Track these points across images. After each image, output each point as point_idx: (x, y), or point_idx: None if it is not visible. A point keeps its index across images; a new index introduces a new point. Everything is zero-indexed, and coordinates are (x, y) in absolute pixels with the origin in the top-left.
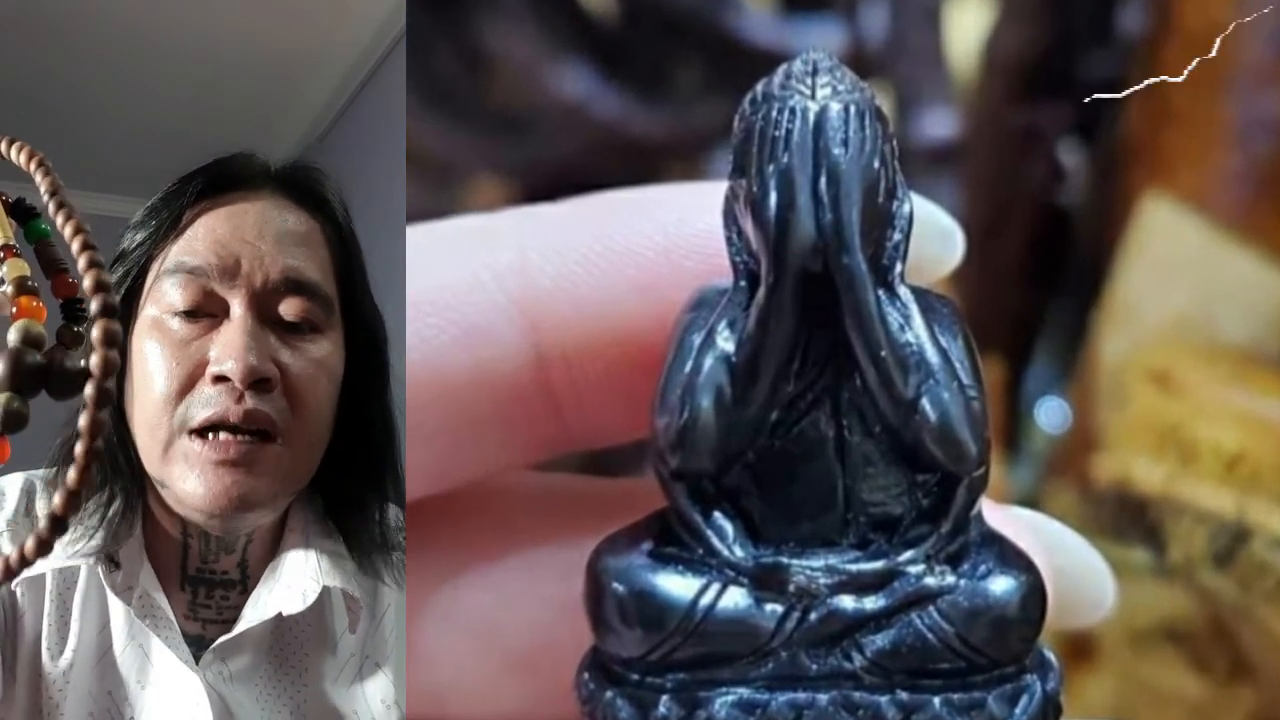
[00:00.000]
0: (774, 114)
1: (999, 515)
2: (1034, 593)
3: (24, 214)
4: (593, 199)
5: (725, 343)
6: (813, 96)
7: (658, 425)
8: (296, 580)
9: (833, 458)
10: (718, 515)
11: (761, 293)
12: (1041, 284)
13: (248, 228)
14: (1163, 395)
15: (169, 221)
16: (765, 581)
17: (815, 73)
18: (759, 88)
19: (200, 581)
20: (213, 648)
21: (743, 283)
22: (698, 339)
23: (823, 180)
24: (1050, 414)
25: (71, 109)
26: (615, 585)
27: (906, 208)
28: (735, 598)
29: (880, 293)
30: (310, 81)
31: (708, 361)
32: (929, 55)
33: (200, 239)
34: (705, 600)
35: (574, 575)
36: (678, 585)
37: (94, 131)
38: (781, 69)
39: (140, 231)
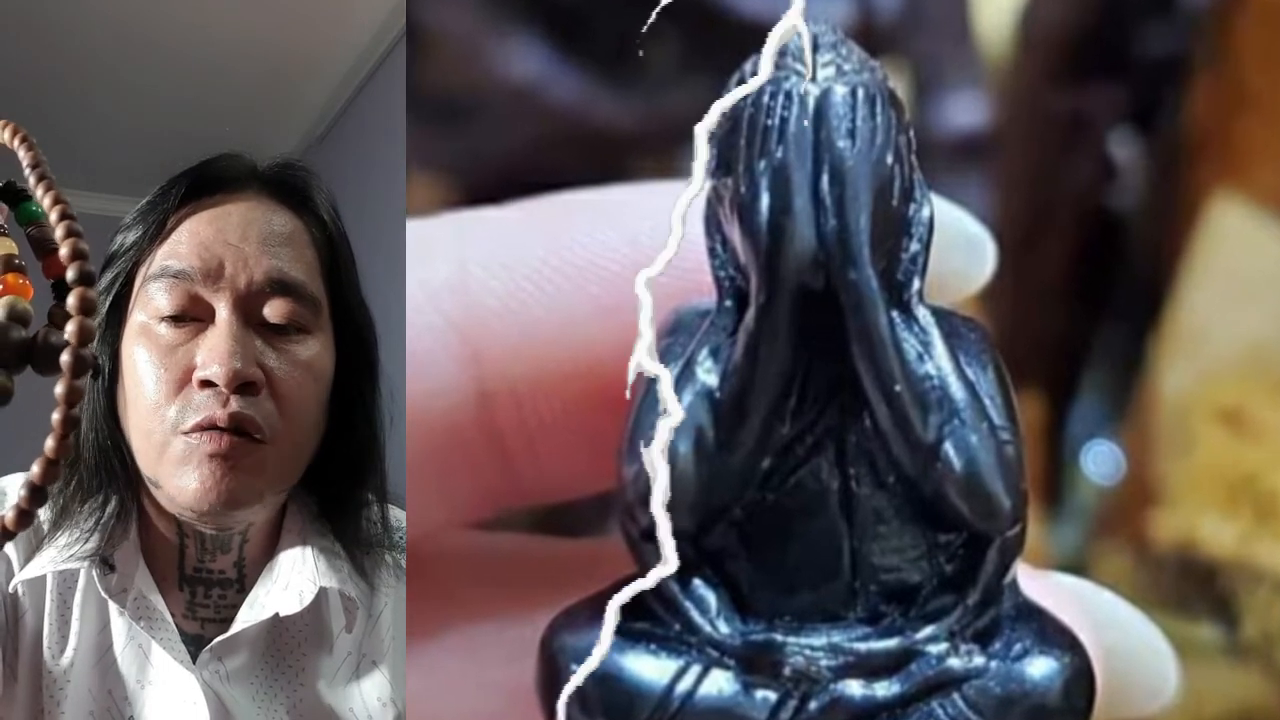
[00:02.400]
0: (765, 99)
1: (1038, 583)
2: (1079, 677)
3: (15, 197)
4: (547, 201)
5: (707, 375)
6: (813, 78)
7: (626, 475)
8: (294, 581)
9: (837, 514)
10: (698, 583)
11: (751, 315)
12: (1089, 304)
13: (231, 230)
14: (1235, 438)
15: (154, 225)
16: (755, 663)
17: (816, 49)
18: (748, 67)
19: (198, 581)
20: (209, 647)
21: (728, 303)
22: (674, 370)
23: (825, 179)
24: (1100, 461)
25: (71, 109)
26: (575, 668)
27: (925, 212)
28: (719, 683)
29: (894, 314)
30: (310, 81)
31: (686, 398)
32: (953, 28)
33: (184, 243)
34: (683, 686)
35: (525, 656)
36: (650, 668)
37: (93, 131)
38: None
39: (129, 234)
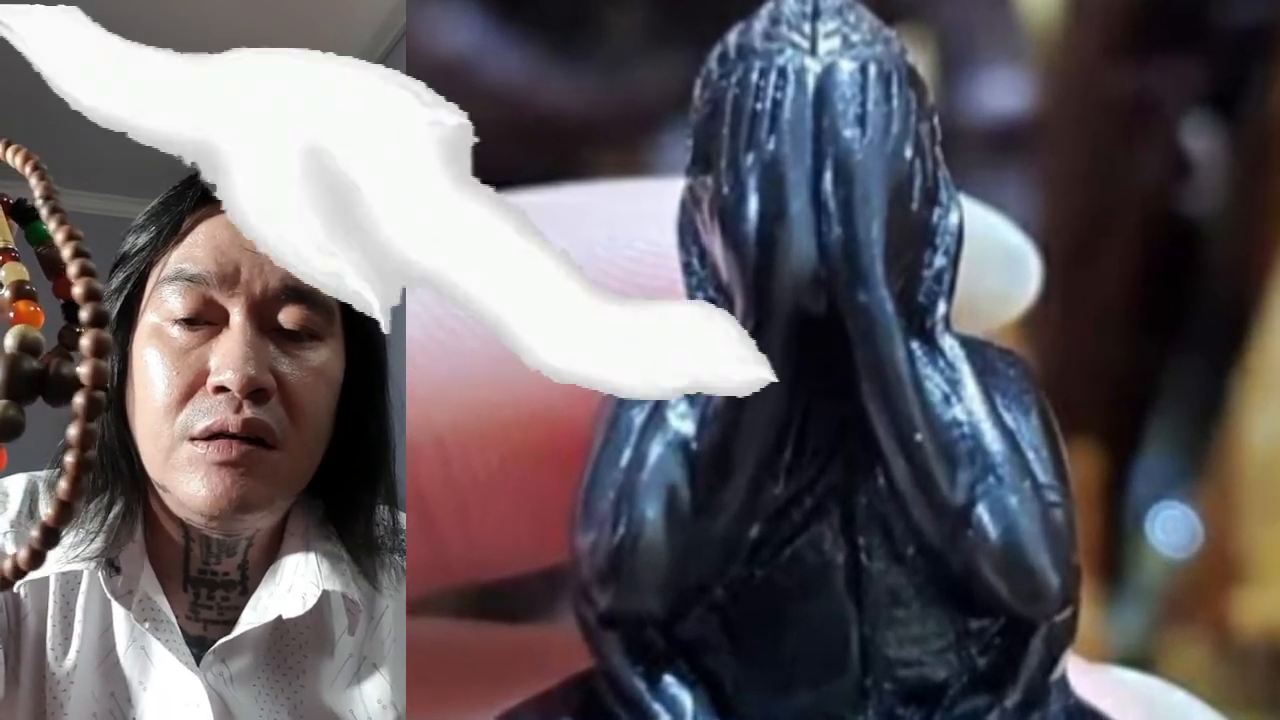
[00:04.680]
0: (754, 78)
1: (1094, 680)
2: None
3: (25, 215)
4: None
5: (681, 421)
6: (813, 51)
7: (580, 546)
8: (297, 584)
9: (843, 594)
10: (670, 681)
11: None
12: (1157, 333)
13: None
14: None
15: (169, 227)
16: None
17: (816, 15)
18: (731, 38)
19: (202, 583)
20: (213, 649)
21: None
22: (640, 416)
23: (827, 177)
24: (1170, 528)
25: (71, 109)
26: None
27: (953, 218)
28: None
29: (914, 346)
30: None
31: (655, 450)
32: None
33: (200, 246)
34: None
35: None
36: None
37: (94, 131)
38: (765, 9)
39: (141, 236)
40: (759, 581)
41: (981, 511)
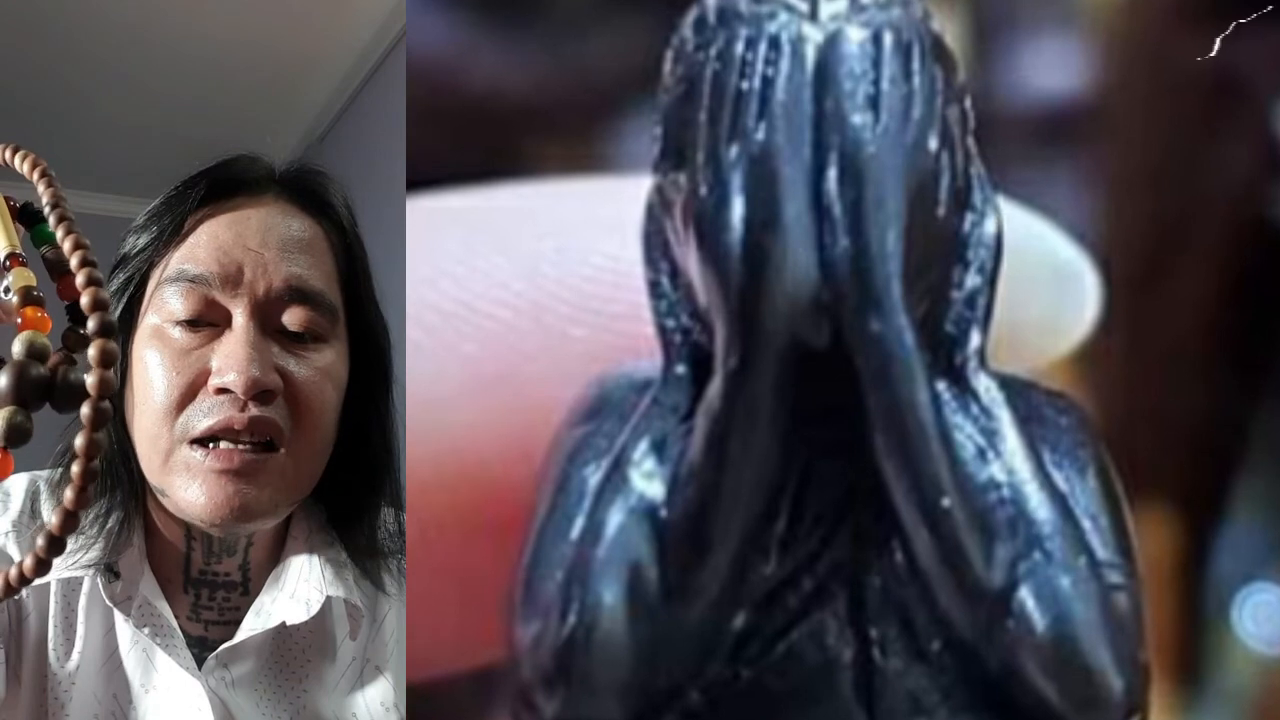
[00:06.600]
0: (739, 49)
1: None
2: None
3: (31, 218)
4: (405, 209)
5: (646, 483)
6: (813, 15)
7: (520, 638)
8: (300, 590)
9: (851, 700)
10: None
11: (716, 388)
12: (1243, 371)
13: (250, 235)
14: None
15: (171, 227)
16: None
17: None
18: (710, 1)
19: (202, 584)
20: (215, 654)
21: (680, 368)
22: (595, 476)
23: (831, 174)
24: (1262, 616)
25: (72, 109)
26: None
27: (990, 227)
28: None
29: (941, 387)
30: (310, 81)
31: (614, 519)
32: None
33: (202, 246)
34: None
35: None
36: None
37: (94, 131)
38: None
39: (142, 236)
40: (745, 684)
41: (1025, 596)
